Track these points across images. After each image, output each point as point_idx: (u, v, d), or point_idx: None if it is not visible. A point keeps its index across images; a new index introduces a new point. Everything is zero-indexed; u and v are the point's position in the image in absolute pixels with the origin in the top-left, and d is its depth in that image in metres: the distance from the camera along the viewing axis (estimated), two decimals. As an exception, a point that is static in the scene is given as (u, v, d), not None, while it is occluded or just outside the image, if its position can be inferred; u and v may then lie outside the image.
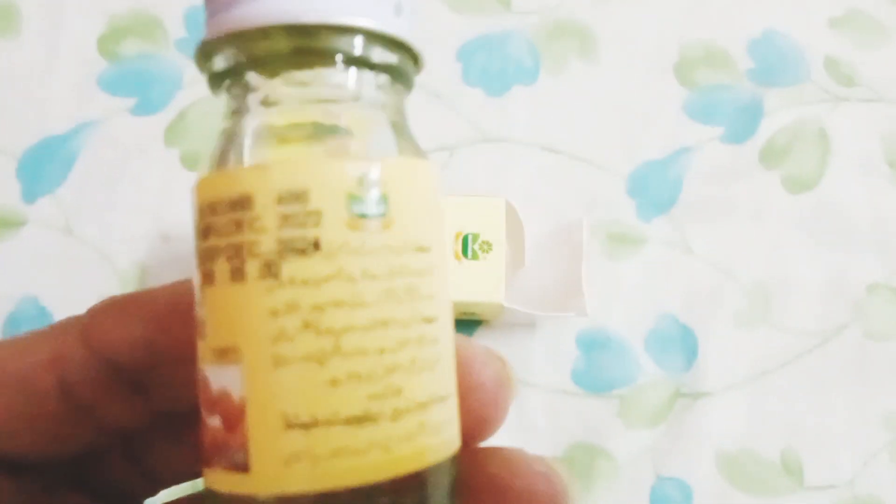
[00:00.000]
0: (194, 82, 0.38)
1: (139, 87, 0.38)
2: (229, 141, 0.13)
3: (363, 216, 0.12)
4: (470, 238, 0.34)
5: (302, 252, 0.12)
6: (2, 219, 0.36)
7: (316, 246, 0.12)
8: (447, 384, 0.13)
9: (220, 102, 0.14)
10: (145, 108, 0.38)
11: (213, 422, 0.12)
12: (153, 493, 0.18)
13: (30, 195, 0.37)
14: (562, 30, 0.40)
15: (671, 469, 0.34)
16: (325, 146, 0.13)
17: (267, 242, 0.12)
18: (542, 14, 0.40)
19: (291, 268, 0.12)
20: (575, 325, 0.36)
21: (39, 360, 0.15)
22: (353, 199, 0.12)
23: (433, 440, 0.13)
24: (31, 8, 0.39)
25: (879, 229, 0.37)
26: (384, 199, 0.12)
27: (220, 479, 0.12)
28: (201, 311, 0.13)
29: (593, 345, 0.36)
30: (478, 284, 0.33)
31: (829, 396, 0.35)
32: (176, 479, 0.18)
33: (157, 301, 0.15)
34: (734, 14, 0.40)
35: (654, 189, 0.38)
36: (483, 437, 0.15)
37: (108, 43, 0.39)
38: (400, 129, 0.14)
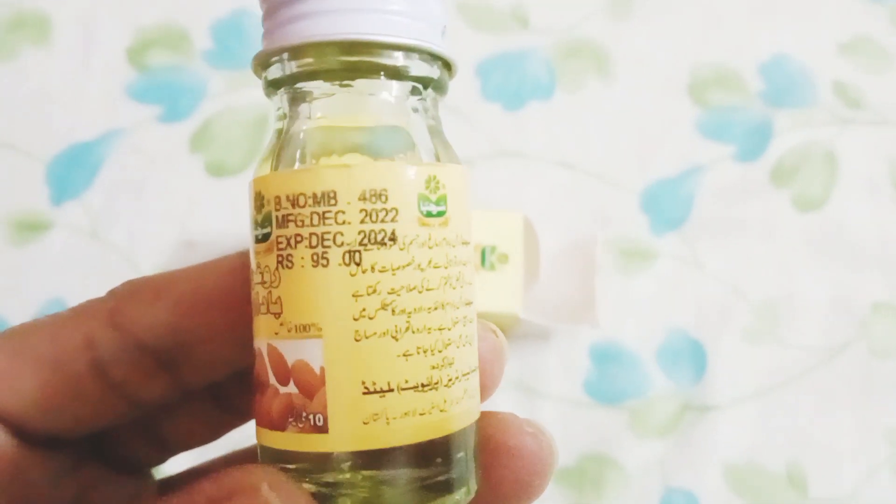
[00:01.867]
0: (219, 92, 0.39)
1: (166, 97, 0.39)
2: (286, 141, 0.15)
3: (429, 214, 0.14)
4: (487, 250, 0.34)
5: (381, 243, 0.13)
6: (30, 222, 0.37)
7: (393, 238, 0.13)
8: (476, 358, 0.15)
9: (273, 105, 0.15)
10: (172, 116, 0.39)
11: (289, 389, 0.14)
12: (161, 461, 0.19)
13: (57, 199, 0.37)
14: (578, 49, 0.41)
15: (679, 480, 0.34)
16: (392, 152, 0.15)
17: (349, 233, 0.13)
18: (558, 33, 0.41)
19: (372, 256, 0.13)
20: (588, 337, 0.36)
21: (73, 343, 0.16)
22: (423, 199, 0.14)
23: (472, 403, 0.15)
24: (63, 19, 0.40)
25: (885, 249, 0.38)
26: (444, 199, 0.14)
27: (295, 440, 0.14)
28: (267, 292, 0.14)
29: (606, 357, 0.36)
30: (494, 296, 0.34)
31: (833, 411, 0.36)
32: (185, 446, 0.19)
33: (179, 285, 0.16)
34: (746, 37, 0.41)
35: (667, 206, 0.38)
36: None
37: (136, 54, 0.40)
38: (435, 131, 0.15)
